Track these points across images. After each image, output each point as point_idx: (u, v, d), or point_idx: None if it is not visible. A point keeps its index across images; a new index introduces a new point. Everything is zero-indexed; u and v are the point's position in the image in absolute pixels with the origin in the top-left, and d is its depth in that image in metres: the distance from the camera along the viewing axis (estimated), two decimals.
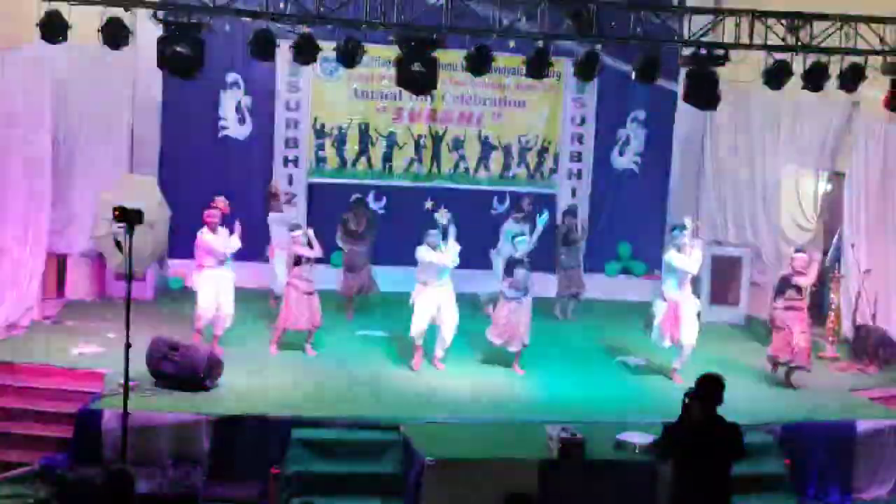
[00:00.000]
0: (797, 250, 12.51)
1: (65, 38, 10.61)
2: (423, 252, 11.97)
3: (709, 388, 7.54)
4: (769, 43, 11.55)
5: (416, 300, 12.10)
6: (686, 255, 11.85)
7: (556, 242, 14.84)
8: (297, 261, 12.26)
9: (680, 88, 11.94)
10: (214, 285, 12.06)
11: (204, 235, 12.07)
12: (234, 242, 12.14)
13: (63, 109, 13.61)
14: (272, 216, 14.17)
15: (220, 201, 12.74)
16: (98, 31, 10.53)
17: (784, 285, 12.10)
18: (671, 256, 11.93)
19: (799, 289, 12.04)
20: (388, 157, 16.20)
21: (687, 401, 7.60)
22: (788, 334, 11.89)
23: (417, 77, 11.15)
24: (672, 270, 11.95)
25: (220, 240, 12.09)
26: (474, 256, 13.15)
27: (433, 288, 12.03)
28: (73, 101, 13.82)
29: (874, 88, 12.05)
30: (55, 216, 13.53)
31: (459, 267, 12.07)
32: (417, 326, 12.07)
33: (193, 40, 10.71)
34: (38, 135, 12.93)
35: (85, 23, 10.51)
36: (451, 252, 11.95)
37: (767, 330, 12.61)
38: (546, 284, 14.73)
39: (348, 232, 14.18)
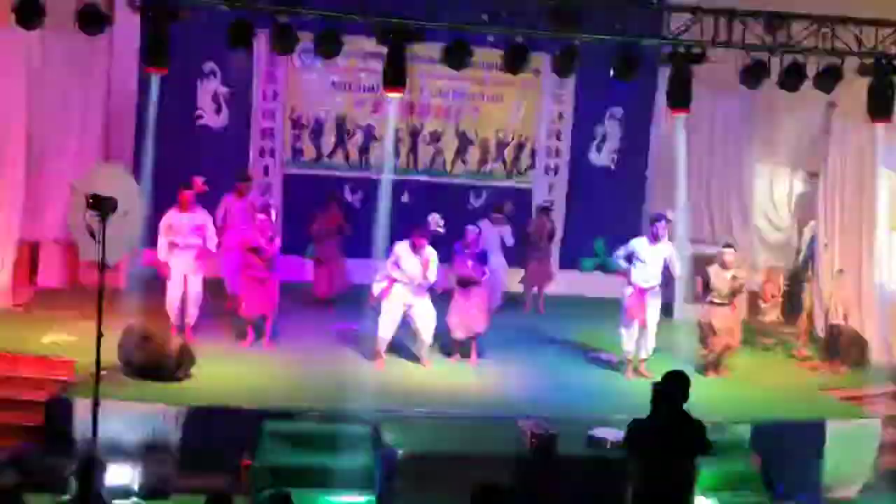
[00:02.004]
0: (726, 245, 12.53)
1: (41, 24, 10.52)
2: (401, 251, 11.83)
3: (675, 385, 7.51)
4: (747, 42, 11.59)
5: (381, 300, 11.91)
6: (652, 246, 11.95)
7: (522, 237, 14.97)
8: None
9: (658, 86, 11.95)
10: (181, 268, 12.05)
11: (166, 215, 12.16)
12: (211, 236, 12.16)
13: (38, 96, 13.50)
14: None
15: (198, 181, 12.68)
16: (74, 17, 10.44)
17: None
18: (640, 245, 12.03)
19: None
20: (364, 150, 16.16)
21: (656, 392, 7.62)
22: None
23: (389, 73, 11.15)
24: (639, 257, 12.02)
25: (184, 218, 12.10)
26: (450, 251, 13.12)
27: (401, 286, 11.88)
28: (48, 88, 13.71)
29: (850, 89, 12.10)
30: (28, 203, 13.43)
31: None
32: (384, 332, 11.92)
33: (170, 28, 10.64)
34: (12, 121, 12.83)
35: (61, 8, 10.42)
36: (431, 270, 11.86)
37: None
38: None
39: (317, 230, 14.17)
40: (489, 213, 15.01)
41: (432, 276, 11.86)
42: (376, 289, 11.91)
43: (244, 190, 13.92)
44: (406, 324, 12.08)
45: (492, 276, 14.59)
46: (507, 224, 14.81)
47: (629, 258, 12.09)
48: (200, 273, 12.30)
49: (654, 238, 12.02)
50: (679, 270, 12.41)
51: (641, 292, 12.00)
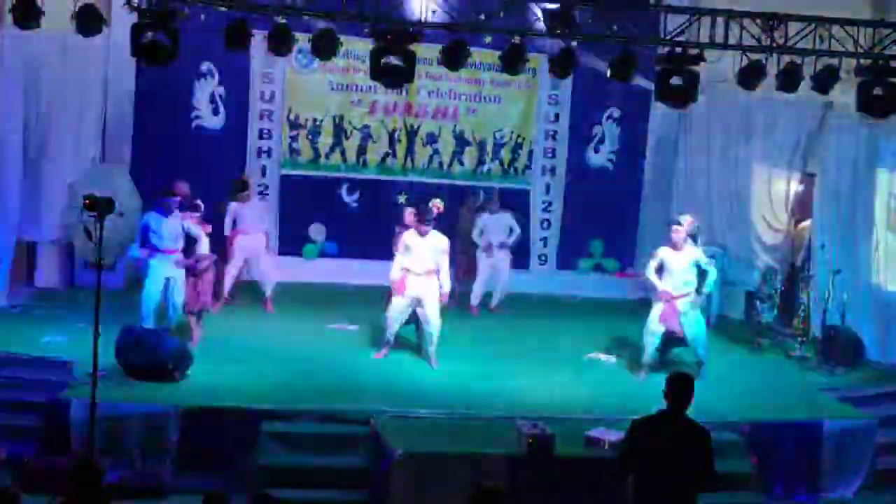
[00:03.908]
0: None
1: (38, 25, 10.50)
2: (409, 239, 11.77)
3: (677, 387, 7.09)
4: (744, 43, 11.60)
5: (399, 293, 11.82)
6: (675, 252, 11.82)
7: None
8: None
9: (655, 87, 11.94)
10: (162, 273, 11.76)
11: (146, 215, 11.91)
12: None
13: (34, 97, 13.49)
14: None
15: (182, 187, 12.58)
16: (71, 17, 10.43)
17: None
18: (665, 254, 11.90)
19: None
20: (362, 150, 16.16)
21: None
22: None
23: (393, 70, 11.11)
24: (666, 266, 11.90)
25: (165, 223, 11.78)
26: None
27: (413, 276, 11.78)
28: (44, 89, 13.69)
29: (847, 90, 12.11)
30: (25, 203, 13.42)
31: None
32: (391, 322, 11.92)
33: (168, 28, 10.63)
34: (10, 121, 12.82)
35: (58, 9, 10.41)
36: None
37: (737, 327, 12.65)
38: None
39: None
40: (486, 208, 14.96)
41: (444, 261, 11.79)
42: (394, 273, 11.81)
43: (248, 197, 13.82)
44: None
45: (493, 270, 14.62)
46: (507, 212, 14.72)
47: (660, 268, 11.88)
48: (183, 281, 11.86)
49: (673, 245, 11.87)
50: (714, 275, 12.03)
51: (672, 300, 11.82)
